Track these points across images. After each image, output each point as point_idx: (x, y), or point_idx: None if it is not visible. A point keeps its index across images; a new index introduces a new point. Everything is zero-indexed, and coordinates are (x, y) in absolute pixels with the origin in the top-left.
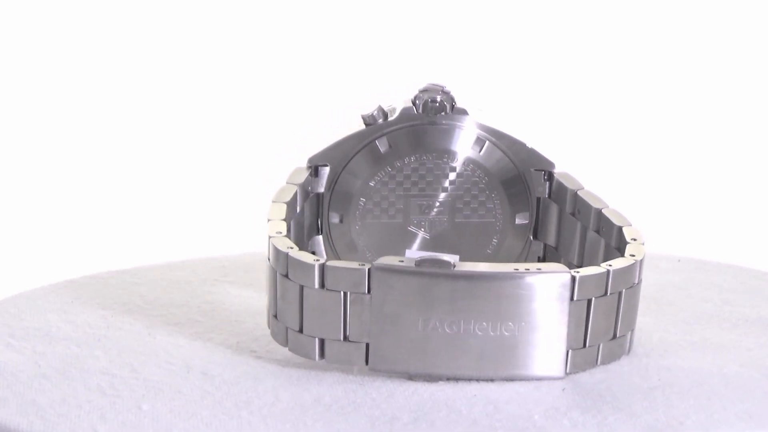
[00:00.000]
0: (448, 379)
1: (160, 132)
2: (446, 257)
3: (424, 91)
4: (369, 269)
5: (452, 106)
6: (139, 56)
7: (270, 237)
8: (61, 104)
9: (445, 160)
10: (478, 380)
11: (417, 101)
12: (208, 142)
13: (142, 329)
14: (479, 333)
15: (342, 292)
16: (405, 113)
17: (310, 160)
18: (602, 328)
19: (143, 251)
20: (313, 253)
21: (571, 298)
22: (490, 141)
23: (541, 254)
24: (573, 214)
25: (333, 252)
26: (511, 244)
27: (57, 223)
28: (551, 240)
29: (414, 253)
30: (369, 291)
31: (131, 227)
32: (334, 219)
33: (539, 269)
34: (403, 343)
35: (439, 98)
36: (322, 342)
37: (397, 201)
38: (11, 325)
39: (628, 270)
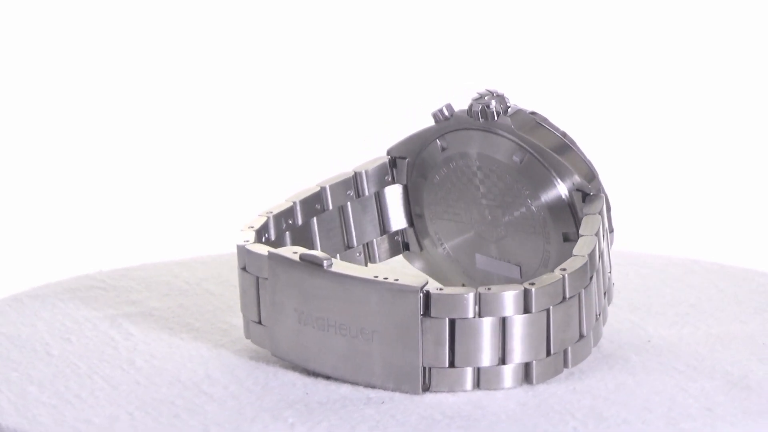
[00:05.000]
0: (328, 377)
1: (164, 132)
2: (322, 255)
3: (477, 97)
4: (267, 256)
5: (498, 114)
6: (145, 59)
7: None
8: (71, 109)
9: (490, 167)
10: (345, 382)
11: (469, 106)
12: (212, 141)
13: (141, 322)
14: (340, 334)
15: (255, 277)
16: (458, 117)
17: (389, 151)
18: (472, 352)
19: (142, 252)
20: (407, 244)
21: (427, 315)
22: (532, 155)
23: None
24: None
25: (418, 244)
26: (561, 260)
27: (56, 223)
28: None
29: (479, 258)
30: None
31: (130, 227)
32: (416, 211)
33: (396, 280)
34: (287, 333)
35: (491, 104)
36: (248, 322)
37: (458, 200)
38: None
39: (510, 297)
